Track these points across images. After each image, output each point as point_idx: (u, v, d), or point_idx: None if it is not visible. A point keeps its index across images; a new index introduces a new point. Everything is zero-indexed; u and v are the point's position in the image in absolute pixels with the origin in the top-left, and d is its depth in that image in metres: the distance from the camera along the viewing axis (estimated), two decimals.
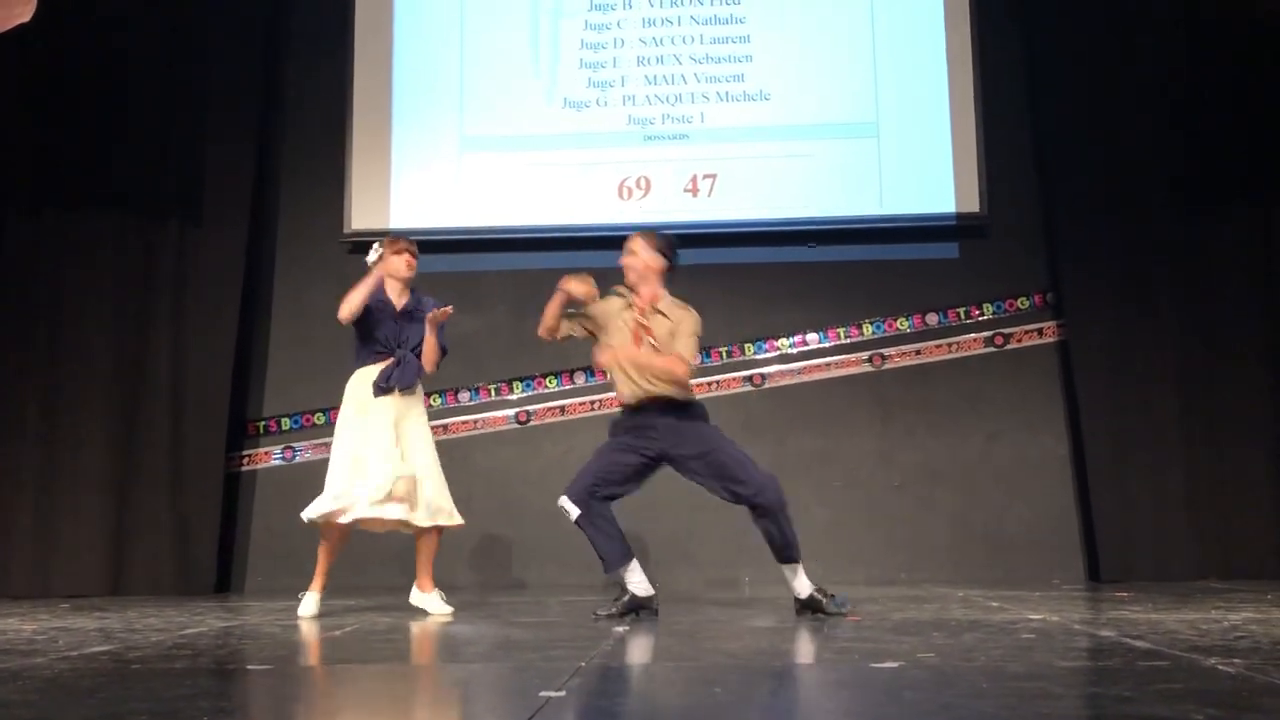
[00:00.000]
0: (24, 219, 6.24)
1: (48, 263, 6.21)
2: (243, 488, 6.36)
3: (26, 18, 5.27)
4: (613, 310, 4.28)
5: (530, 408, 6.36)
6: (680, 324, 4.17)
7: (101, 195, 6.25)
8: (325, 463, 6.23)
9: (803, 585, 4.06)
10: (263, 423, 6.41)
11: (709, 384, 6.30)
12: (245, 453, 6.37)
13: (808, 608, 4.03)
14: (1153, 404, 5.97)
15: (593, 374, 6.32)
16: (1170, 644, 2.92)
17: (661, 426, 4.13)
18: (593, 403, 6.31)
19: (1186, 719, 1.88)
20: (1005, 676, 2.45)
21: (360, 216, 6.41)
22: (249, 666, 2.93)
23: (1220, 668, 2.49)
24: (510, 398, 6.35)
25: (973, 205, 6.22)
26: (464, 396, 6.33)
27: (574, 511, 4.10)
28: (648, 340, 4.13)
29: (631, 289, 4.27)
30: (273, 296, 6.55)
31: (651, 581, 4.21)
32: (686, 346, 4.14)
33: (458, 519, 4.48)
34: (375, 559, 6.15)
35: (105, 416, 6.07)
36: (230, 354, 6.22)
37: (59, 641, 3.42)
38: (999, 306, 6.28)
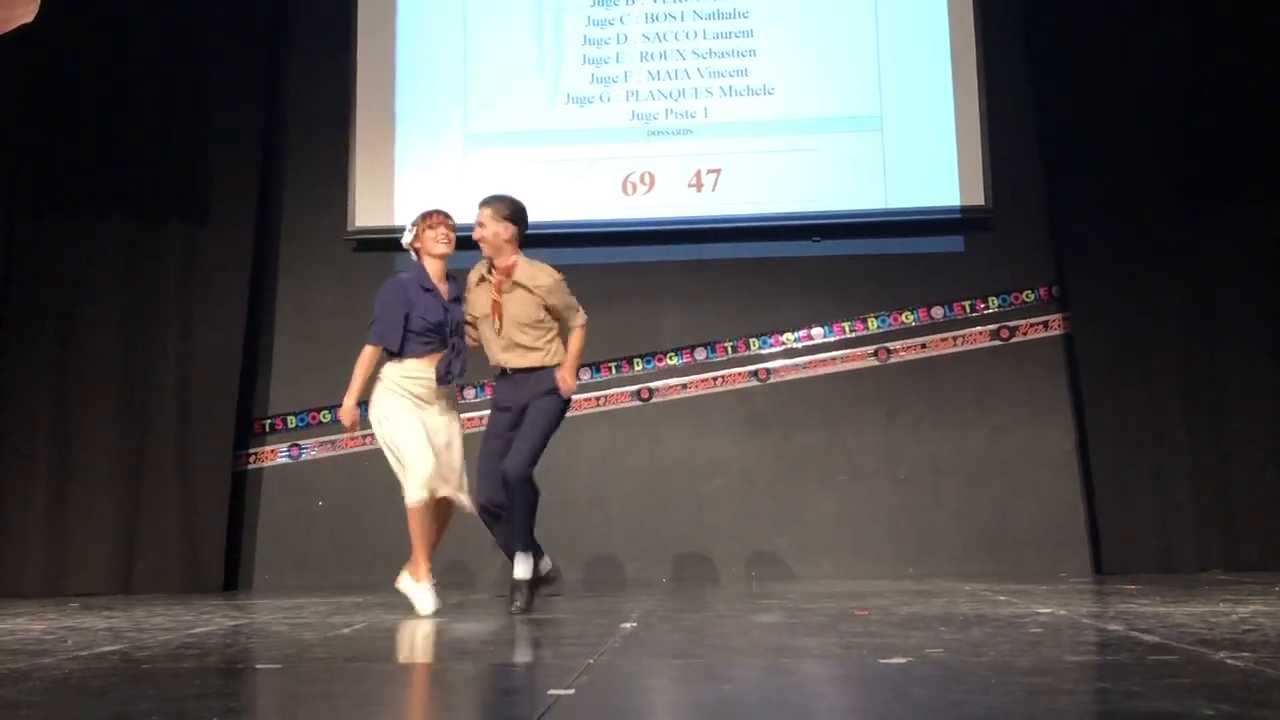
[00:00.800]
0: (30, 223, 6.24)
1: (54, 266, 6.21)
2: (249, 486, 6.37)
3: (29, 18, 5.27)
4: (473, 284, 4.47)
5: None
6: (550, 294, 4.35)
7: (105, 197, 6.26)
8: (331, 460, 6.33)
9: (522, 570, 4.28)
10: (268, 421, 6.42)
11: (714, 379, 6.30)
12: (251, 451, 6.38)
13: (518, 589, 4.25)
14: (1157, 396, 5.97)
15: (598, 370, 6.33)
16: (1179, 638, 2.92)
17: (517, 402, 4.37)
18: (597, 399, 6.31)
19: (1196, 714, 1.88)
20: (1014, 672, 2.45)
21: (364, 214, 6.41)
22: (258, 665, 2.94)
23: (1229, 661, 2.49)
24: None
25: (977, 198, 6.21)
26: (469, 393, 6.32)
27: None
28: (505, 313, 4.35)
29: (489, 261, 4.41)
30: (277, 295, 6.56)
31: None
32: (574, 312, 4.44)
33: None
34: (382, 557, 6.16)
35: (114, 417, 6.10)
36: (238, 353, 6.23)
37: (68, 641, 3.43)
38: (1004, 299, 6.28)
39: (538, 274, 4.37)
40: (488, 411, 6.32)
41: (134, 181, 6.28)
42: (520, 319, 4.33)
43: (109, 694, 2.40)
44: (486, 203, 4.41)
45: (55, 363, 6.14)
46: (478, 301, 4.42)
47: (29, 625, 4.03)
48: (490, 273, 4.40)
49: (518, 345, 4.35)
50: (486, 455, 4.37)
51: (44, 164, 6.27)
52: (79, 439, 6.07)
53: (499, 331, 4.36)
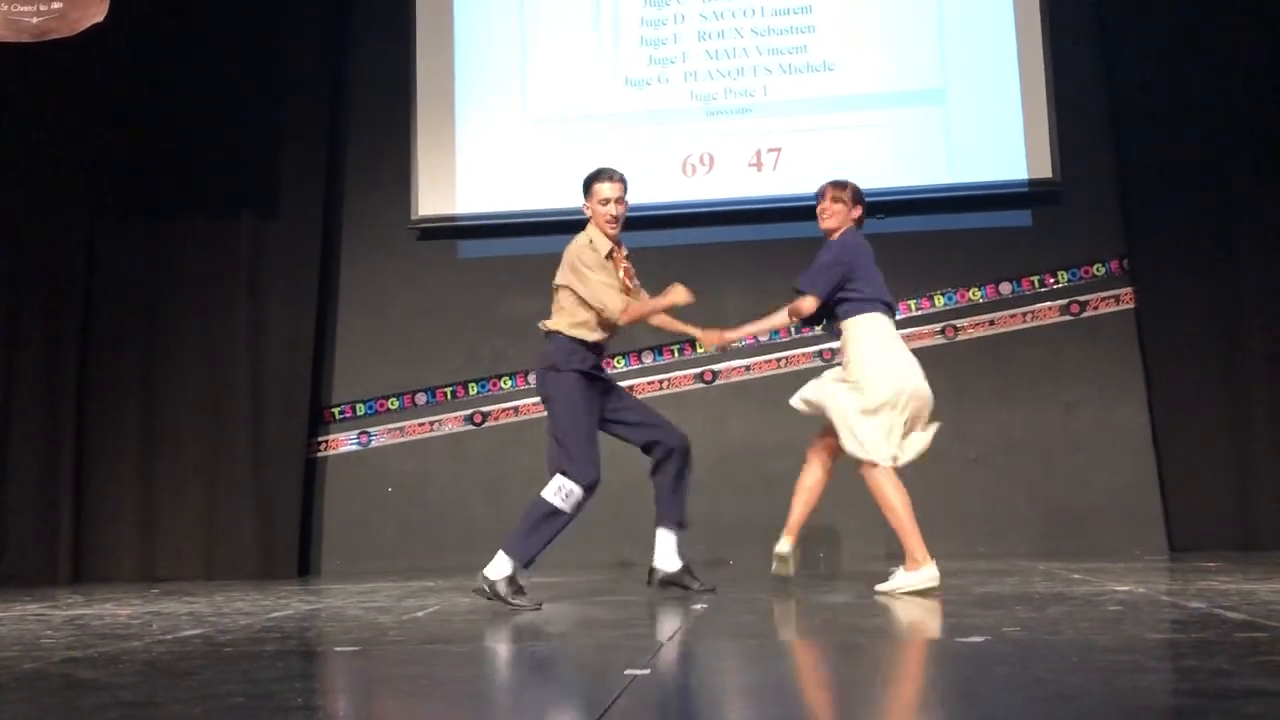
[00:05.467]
0: (111, 221, 6.43)
1: (135, 263, 6.40)
2: (319, 473, 6.46)
3: (100, 17, 5.36)
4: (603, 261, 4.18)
5: None
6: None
7: (181, 194, 6.43)
8: (399, 447, 6.41)
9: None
10: (337, 409, 6.51)
11: (777, 360, 6.26)
12: (322, 439, 6.47)
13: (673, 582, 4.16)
14: (1235, 372, 5.81)
15: (660, 353, 6.32)
16: (1265, 615, 2.85)
17: (604, 375, 4.25)
18: (661, 382, 6.31)
19: None
20: (1095, 650, 2.41)
21: (427, 203, 6.45)
22: (336, 648, 2.99)
23: None
24: None
25: (1045, 171, 6.08)
26: (534, 379, 6.36)
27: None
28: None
29: (614, 238, 4.19)
30: (342, 284, 6.63)
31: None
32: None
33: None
34: (450, 542, 6.23)
35: (194, 408, 6.28)
36: (310, 343, 6.34)
37: (153, 625, 3.51)
38: (1074, 274, 6.15)
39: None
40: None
41: (207, 177, 6.42)
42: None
43: (195, 676, 2.45)
44: (622, 179, 4.20)
45: (141, 358, 6.34)
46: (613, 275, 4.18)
47: (115, 610, 4.14)
48: (613, 254, 4.20)
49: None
50: (593, 433, 4.08)
51: (123, 164, 6.44)
52: (164, 431, 6.29)
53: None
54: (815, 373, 6.11)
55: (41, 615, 4.03)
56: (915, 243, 6.25)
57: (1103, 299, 6.12)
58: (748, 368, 6.28)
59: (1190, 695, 1.94)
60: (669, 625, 3.07)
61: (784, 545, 4.20)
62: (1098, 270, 6.14)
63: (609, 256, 4.17)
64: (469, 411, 6.41)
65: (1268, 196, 5.86)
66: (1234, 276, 5.87)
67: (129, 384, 6.30)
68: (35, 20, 5.15)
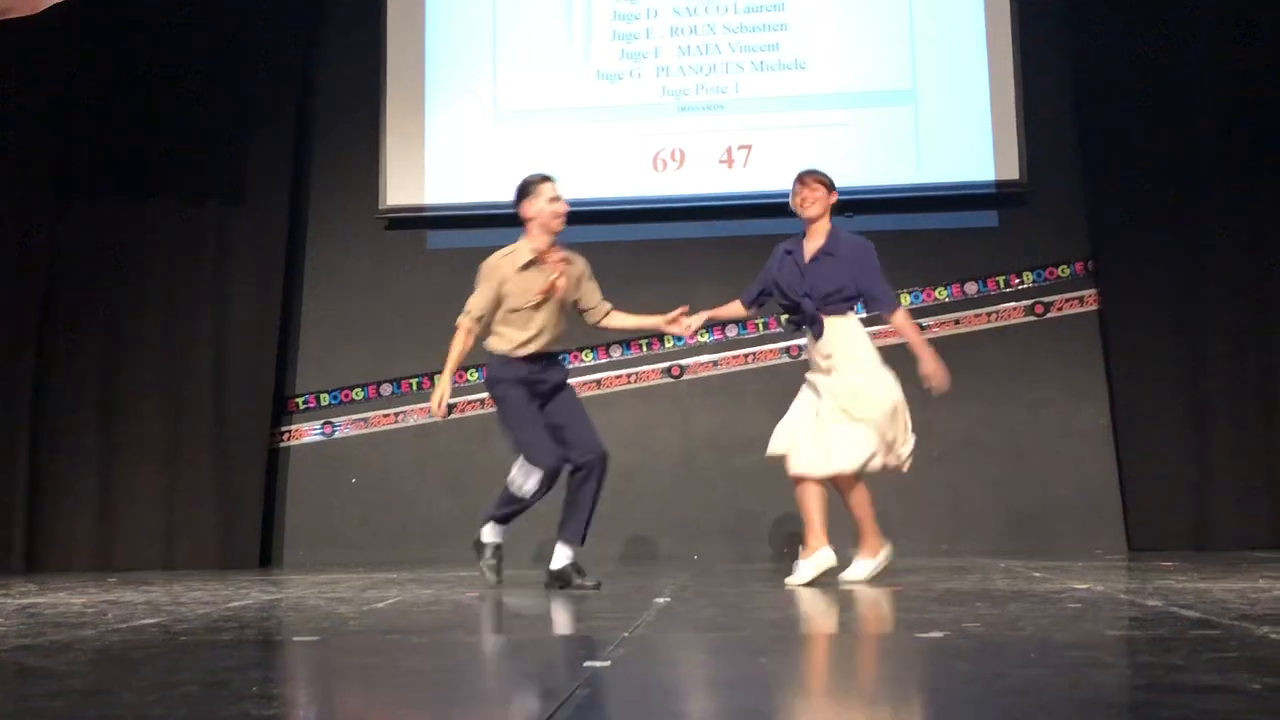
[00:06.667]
0: (76, 206, 6.36)
1: (100, 248, 6.34)
2: (282, 463, 6.41)
3: (25, 12, 5.22)
4: (506, 276, 4.22)
5: None
6: (582, 267, 4.36)
7: (146, 179, 6.38)
8: (363, 438, 6.36)
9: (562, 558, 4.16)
10: (301, 399, 6.45)
11: (745, 356, 6.28)
12: (285, 429, 6.42)
13: (558, 580, 4.13)
14: (1197, 372, 5.89)
15: (629, 347, 6.31)
16: (1219, 613, 2.88)
17: (551, 381, 4.25)
18: (629, 375, 6.30)
19: (1241, 688, 1.85)
20: (1054, 646, 2.42)
21: (395, 193, 6.42)
22: (295, 638, 2.96)
23: (1273, 636, 2.45)
24: None
25: (1012, 172, 6.14)
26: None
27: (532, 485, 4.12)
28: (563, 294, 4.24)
29: (545, 244, 4.25)
30: (308, 273, 6.58)
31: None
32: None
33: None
34: (413, 534, 6.20)
35: (156, 396, 6.24)
36: (274, 332, 6.31)
37: (108, 615, 3.46)
38: (1039, 275, 6.20)
39: (568, 251, 4.34)
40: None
41: (173, 163, 6.38)
42: (567, 299, 4.30)
43: (150, 665, 2.42)
44: (553, 180, 4.28)
45: (102, 343, 6.28)
46: (530, 288, 4.18)
47: (69, 599, 4.08)
48: (534, 261, 4.21)
49: (560, 326, 4.30)
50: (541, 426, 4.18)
51: (89, 151, 6.37)
52: (124, 418, 6.23)
53: (556, 314, 4.26)
54: (782, 367, 6.21)
55: None
56: (882, 241, 6.19)
57: (1067, 300, 6.18)
58: (715, 363, 6.29)
59: (1146, 690, 1.95)
60: (631, 619, 3.06)
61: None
62: (1063, 272, 6.20)
63: (532, 263, 4.21)
64: None
65: (1232, 202, 5.95)
66: (1197, 281, 5.95)
67: (89, 371, 6.24)
68: None
